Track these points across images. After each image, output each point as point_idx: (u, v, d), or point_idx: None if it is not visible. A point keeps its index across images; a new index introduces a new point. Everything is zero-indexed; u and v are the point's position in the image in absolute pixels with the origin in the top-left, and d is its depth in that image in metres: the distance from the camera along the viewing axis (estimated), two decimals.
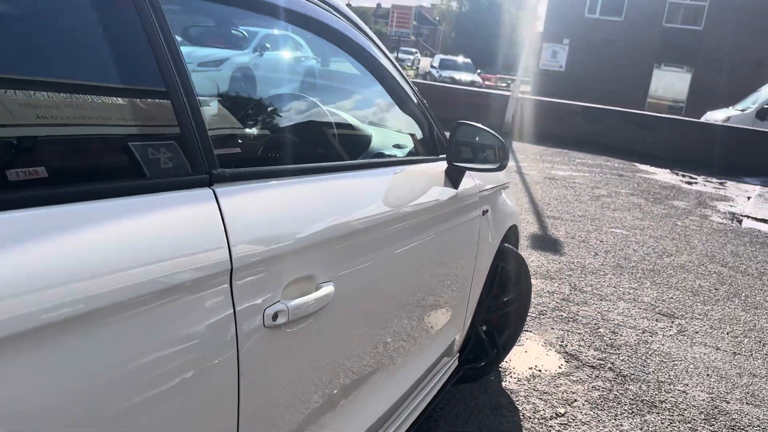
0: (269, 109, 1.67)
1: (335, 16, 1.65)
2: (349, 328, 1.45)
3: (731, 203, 8.69)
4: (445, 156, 2.06)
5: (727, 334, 3.82)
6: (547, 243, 5.40)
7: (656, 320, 3.89)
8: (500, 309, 2.82)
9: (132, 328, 0.87)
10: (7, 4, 0.88)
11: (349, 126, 1.93)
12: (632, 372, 3.14)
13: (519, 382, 2.91)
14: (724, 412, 2.85)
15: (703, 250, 5.81)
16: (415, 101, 2.02)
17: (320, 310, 1.25)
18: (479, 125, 2.02)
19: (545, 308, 3.83)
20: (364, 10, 76.95)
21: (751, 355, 3.55)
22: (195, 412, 1.00)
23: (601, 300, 4.13)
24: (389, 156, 1.89)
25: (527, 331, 3.47)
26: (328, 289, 1.27)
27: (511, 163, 9.90)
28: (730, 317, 4.11)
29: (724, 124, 14.47)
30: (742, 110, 17.29)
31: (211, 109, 1.25)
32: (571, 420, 2.63)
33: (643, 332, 3.67)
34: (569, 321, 3.70)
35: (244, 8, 1.39)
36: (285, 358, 1.20)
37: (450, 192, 2.02)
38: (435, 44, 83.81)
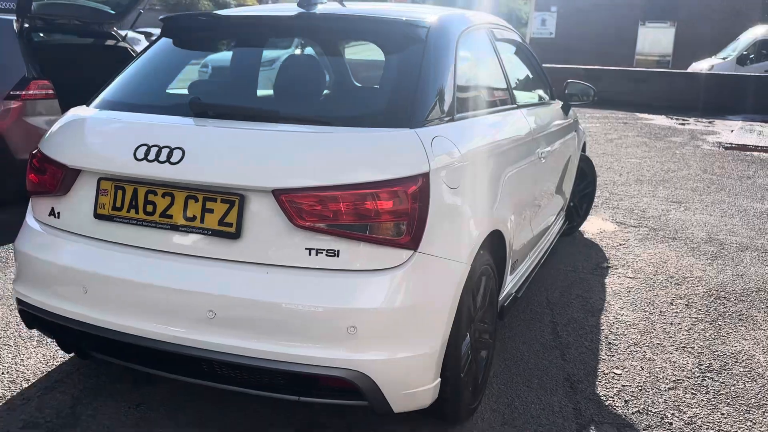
0: (529, 84, 3.68)
1: (520, 37, 3.67)
2: (551, 166, 3.47)
3: (718, 136, 10.69)
4: (557, 100, 4.07)
5: (717, 208, 5.84)
6: None
7: (669, 204, 5.91)
8: (581, 192, 4.82)
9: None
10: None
11: (534, 88, 3.92)
12: (659, 227, 5.16)
13: (593, 236, 4.92)
14: (716, 239, 4.88)
15: (698, 167, 7.83)
16: (543, 74, 4.01)
17: (549, 154, 3.26)
18: (579, 81, 4.02)
19: (596, 204, 5.83)
20: None
21: (732, 216, 5.58)
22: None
23: (631, 198, 6.14)
24: (542, 100, 3.86)
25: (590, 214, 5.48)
26: (552, 146, 3.28)
27: None
28: (719, 201, 6.13)
29: (709, 72, 16.40)
30: (724, 58, 19.21)
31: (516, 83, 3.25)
32: (629, 245, 4.65)
33: (663, 210, 5.69)
34: (614, 208, 5.72)
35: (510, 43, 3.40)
36: (541, 169, 3.21)
37: (565, 118, 4.02)
38: None
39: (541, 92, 3.90)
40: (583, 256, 4.43)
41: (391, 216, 1.96)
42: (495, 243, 2.56)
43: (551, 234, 3.89)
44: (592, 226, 5.13)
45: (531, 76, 3.83)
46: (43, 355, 2.87)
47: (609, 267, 4.21)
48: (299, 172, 1.96)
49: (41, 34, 5.75)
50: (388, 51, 2.42)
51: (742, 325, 3.38)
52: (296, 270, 1.96)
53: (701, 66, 19.19)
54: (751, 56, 18.84)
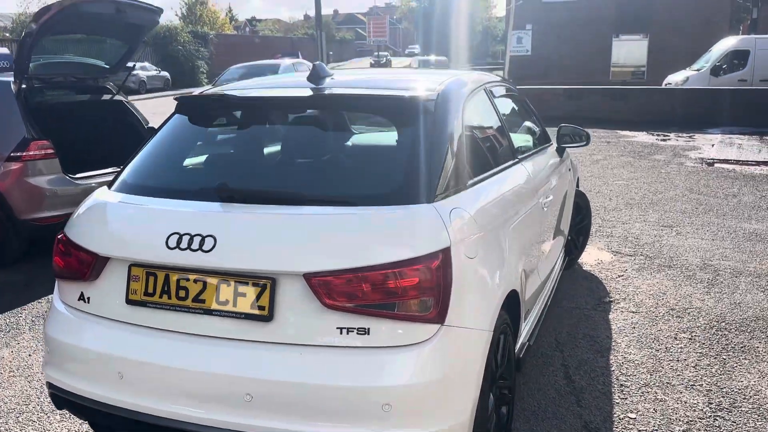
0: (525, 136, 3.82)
1: (513, 88, 3.80)
2: (552, 211, 3.58)
3: (700, 151, 10.94)
4: (551, 142, 4.21)
5: (707, 231, 6.00)
6: None
7: (661, 229, 6.06)
8: (577, 225, 4.95)
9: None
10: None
11: (530, 135, 4.03)
12: (654, 255, 5.29)
13: (592, 267, 5.04)
14: (710, 265, 5.01)
15: (684, 186, 8.02)
16: (537, 119, 4.14)
17: (548, 200, 3.37)
18: (572, 125, 4.16)
19: (591, 232, 5.96)
20: (324, 20, 78.23)
21: (723, 239, 5.73)
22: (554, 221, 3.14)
23: (624, 224, 6.29)
24: (537, 147, 3.98)
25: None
26: (553, 192, 3.39)
27: None
28: (708, 223, 6.30)
29: (685, 87, 16.78)
30: (698, 70, 19.63)
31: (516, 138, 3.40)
32: (627, 276, 4.77)
33: (655, 236, 5.83)
34: (608, 236, 5.86)
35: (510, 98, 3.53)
36: (544, 217, 3.32)
37: (558, 159, 4.15)
38: (397, 43, 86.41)
39: (536, 135, 4.03)
40: (585, 290, 4.54)
41: (417, 292, 2.04)
42: (510, 300, 2.65)
43: (555, 274, 4.00)
44: (589, 257, 5.25)
45: (526, 123, 3.96)
46: (68, 430, 2.91)
47: (611, 301, 4.32)
48: (328, 254, 2.04)
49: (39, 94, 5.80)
50: (399, 126, 2.52)
51: (745, 358, 3.49)
52: (329, 349, 2.03)
53: (676, 78, 19.60)
54: (723, 67, 19.28)
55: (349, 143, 2.63)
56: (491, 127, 3.14)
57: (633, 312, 4.13)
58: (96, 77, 6.13)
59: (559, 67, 31.25)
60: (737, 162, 9.85)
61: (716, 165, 9.57)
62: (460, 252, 2.17)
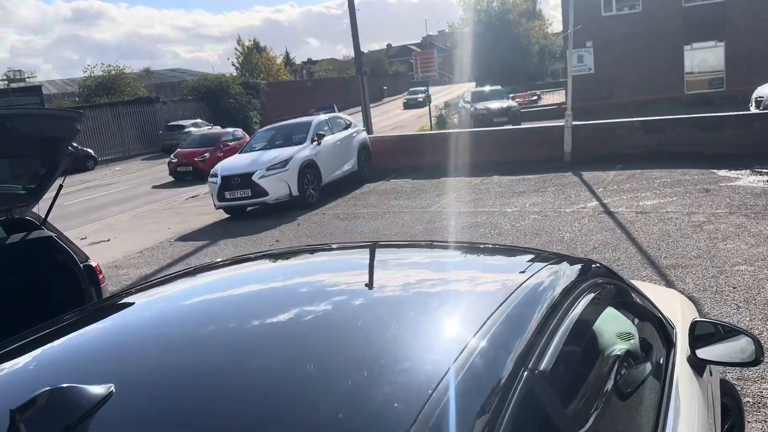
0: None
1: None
2: None
3: None
4: (673, 347, 2.21)
5: None
6: None
7: None
8: None
9: None
10: None
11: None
12: None
13: None
14: None
15: None
16: (649, 311, 2.17)
17: None
18: (713, 321, 2.15)
19: None
20: (377, 56, 78.25)
21: None
22: None
23: None
24: (661, 379, 2.00)
25: None
26: None
27: (594, 201, 9.87)
28: None
29: None
30: None
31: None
32: None
33: None
34: (760, 404, 3.71)
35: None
36: None
37: (697, 386, 2.14)
38: (451, 70, 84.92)
39: (650, 350, 2.05)
40: None
41: None
42: None
43: None
44: None
45: (635, 341, 1.98)
46: None
47: None
48: None
49: None
50: None
51: None
52: None
53: None
54: None
55: None
56: None
57: None
58: (9, 207, 4.54)
59: (625, 83, 28.90)
60: None
61: None
62: None
